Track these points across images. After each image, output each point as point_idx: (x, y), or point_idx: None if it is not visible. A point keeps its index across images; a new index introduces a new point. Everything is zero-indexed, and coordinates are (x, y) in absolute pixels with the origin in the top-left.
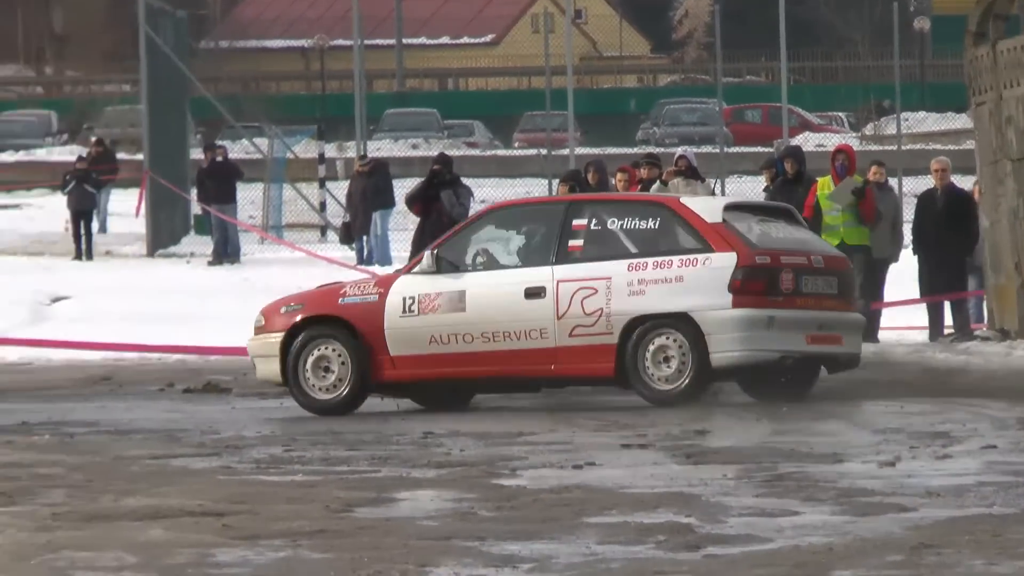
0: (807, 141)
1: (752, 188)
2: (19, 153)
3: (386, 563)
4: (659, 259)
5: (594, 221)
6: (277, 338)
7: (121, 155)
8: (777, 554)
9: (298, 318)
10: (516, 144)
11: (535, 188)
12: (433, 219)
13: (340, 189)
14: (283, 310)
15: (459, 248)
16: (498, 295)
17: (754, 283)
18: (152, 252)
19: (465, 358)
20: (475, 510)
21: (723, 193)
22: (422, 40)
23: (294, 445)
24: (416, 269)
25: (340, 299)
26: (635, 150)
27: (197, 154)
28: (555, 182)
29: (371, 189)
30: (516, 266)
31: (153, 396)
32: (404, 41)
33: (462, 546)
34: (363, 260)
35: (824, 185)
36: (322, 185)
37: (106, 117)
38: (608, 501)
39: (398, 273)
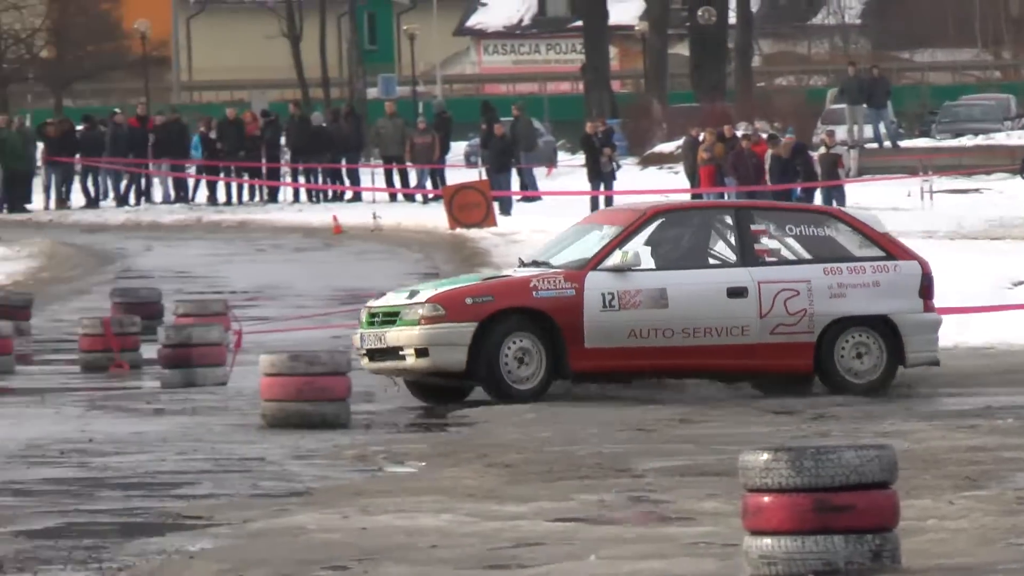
0: None
1: None
2: (978, 137)
3: None
4: (852, 264)
5: (772, 227)
6: (466, 328)
7: None
8: None
9: (492, 310)
10: None
11: None
12: None
13: None
14: (468, 301)
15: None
16: (700, 293)
17: (930, 290)
18: None
19: (664, 352)
20: None
21: None
22: None
23: None
24: (608, 265)
25: (534, 292)
26: None
27: None
28: None
29: None
30: (702, 266)
31: None
32: None
33: None
34: None
35: None
36: None
37: None
38: None
39: (582, 269)
